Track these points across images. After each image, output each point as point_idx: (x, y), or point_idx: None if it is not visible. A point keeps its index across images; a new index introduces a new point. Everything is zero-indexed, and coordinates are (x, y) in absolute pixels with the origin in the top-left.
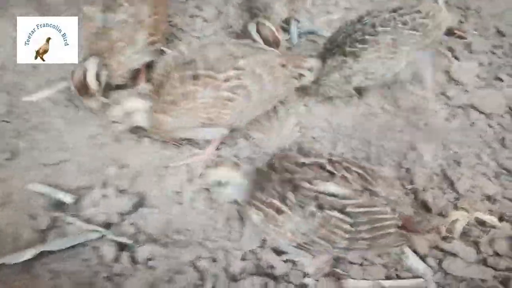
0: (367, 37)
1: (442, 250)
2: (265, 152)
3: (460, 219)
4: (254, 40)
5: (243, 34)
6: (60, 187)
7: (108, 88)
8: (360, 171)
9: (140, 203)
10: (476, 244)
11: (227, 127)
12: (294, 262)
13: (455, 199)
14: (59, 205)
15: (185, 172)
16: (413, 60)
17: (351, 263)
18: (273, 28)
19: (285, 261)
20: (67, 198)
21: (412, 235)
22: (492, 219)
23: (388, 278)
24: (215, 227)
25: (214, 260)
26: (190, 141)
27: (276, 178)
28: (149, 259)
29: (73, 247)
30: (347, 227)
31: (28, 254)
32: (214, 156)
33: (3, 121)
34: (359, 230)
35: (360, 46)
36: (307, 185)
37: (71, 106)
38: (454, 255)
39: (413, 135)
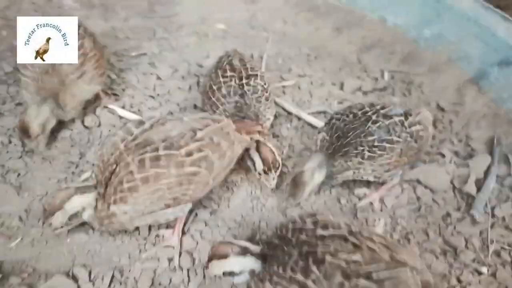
0: (385, 144)
1: None
2: (216, 225)
3: None
4: (252, 160)
5: None
6: None
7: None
8: (383, 241)
9: None
10: None
11: (191, 202)
12: None
13: None
14: None
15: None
16: None
17: None
18: (274, 150)
19: None
20: None
21: None
22: None
23: None
24: None
25: None
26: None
27: (295, 252)
28: None
29: None
30: None
31: None
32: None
33: None
34: None
35: (379, 152)
36: (330, 258)
37: None
38: None
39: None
